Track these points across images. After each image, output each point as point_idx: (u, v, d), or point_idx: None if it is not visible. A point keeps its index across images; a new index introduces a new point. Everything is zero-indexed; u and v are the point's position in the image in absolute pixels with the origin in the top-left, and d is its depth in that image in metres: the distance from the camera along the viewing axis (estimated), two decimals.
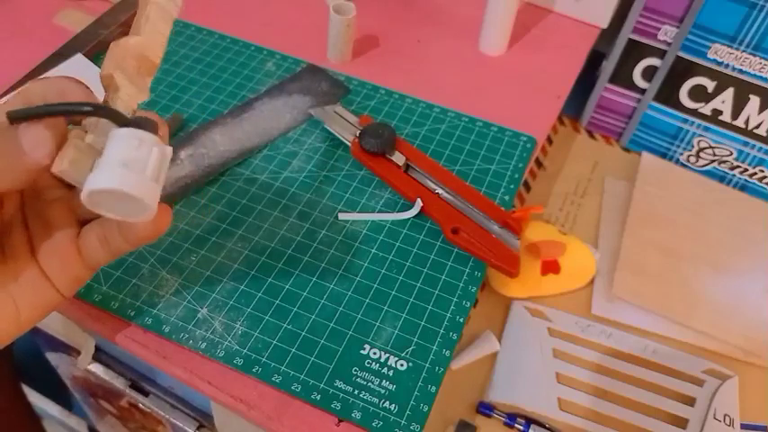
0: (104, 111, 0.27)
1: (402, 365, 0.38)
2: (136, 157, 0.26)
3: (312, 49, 0.57)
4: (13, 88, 0.50)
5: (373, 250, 0.43)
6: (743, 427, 0.43)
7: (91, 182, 0.26)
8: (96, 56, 0.55)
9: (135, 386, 0.55)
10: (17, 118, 0.26)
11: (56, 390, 0.85)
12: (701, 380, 0.45)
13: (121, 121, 0.27)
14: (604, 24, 0.62)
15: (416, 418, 0.36)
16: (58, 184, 0.32)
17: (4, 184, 0.27)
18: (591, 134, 0.63)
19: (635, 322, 0.48)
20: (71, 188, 0.31)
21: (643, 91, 0.59)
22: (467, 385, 0.44)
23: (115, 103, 0.28)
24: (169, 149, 0.28)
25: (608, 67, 0.59)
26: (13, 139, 0.26)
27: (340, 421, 0.36)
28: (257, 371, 0.37)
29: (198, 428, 0.54)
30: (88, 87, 0.28)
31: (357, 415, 0.36)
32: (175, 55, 0.56)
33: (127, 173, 0.25)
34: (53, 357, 0.64)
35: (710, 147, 0.58)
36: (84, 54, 0.54)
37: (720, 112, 0.56)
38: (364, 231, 0.44)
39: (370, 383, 0.37)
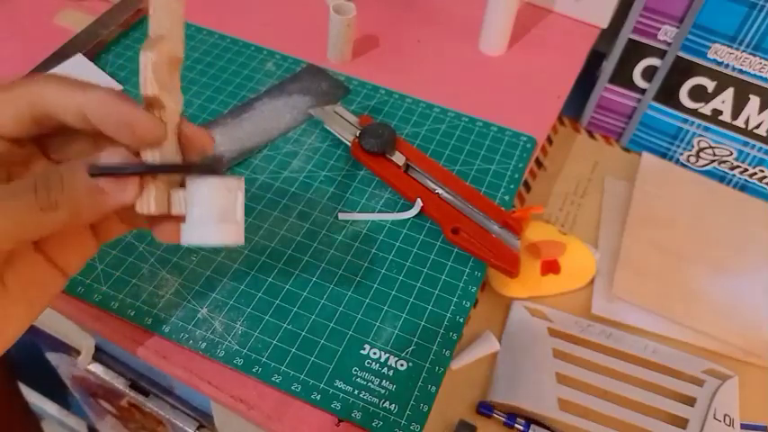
0: (186, 168, 0.27)
1: (402, 365, 0.38)
2: (226, 207, 0.27)
3: (312, 49, 0.57)
4: None
5: (373, 250, 0.43)
6: (743, 427, 0.43)
7: (190, 237, 0.27)
8: (96, 56, 0.55)
9: (135, 386, 0.55)
10: (98, 174, 0.26)
11: (55, 389, 0.85)
12: (701, 380, 0.45)
13: (203, 170, 0.27)
14: (604, 24, 0.62)
15: (416, 418, 0.36)
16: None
17: (83, 221, 0.27)
18: (591, 134, 0.63)
19: (635, 322, 0.48)
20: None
21: (643, 91, 0.59)
22: (467, 385, 0.44)
23: (164, 121, 0.27)
24: (242, 182, 0.28)
25: (608, 67, 0.59)
26: (82, 182, 0.26)
27: (340, 421, 0.36)
28: (257, 371, 0.37)
29: (198, 428, 0.54)
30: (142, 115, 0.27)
31: (357, 415, 0.36)
32: None
33: (223, 226, 0.27)
34: (53, 357, 0.64)
35: (710, 147, 0.58)
36: (84, 54, 0.54)
37: (720, 112, 0.56)
38: (364, 231, 0.44)
39: (370, 383, 0.37)
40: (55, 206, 0.26)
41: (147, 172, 0.26)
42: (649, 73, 0.58)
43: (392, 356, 0.38)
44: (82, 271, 0.40)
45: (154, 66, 0.26)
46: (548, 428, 0.42)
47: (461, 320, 0.40)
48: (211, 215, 0.27)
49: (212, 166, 0.27)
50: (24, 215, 0.25)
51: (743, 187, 0.58)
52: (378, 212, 0.45)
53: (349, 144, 0.48)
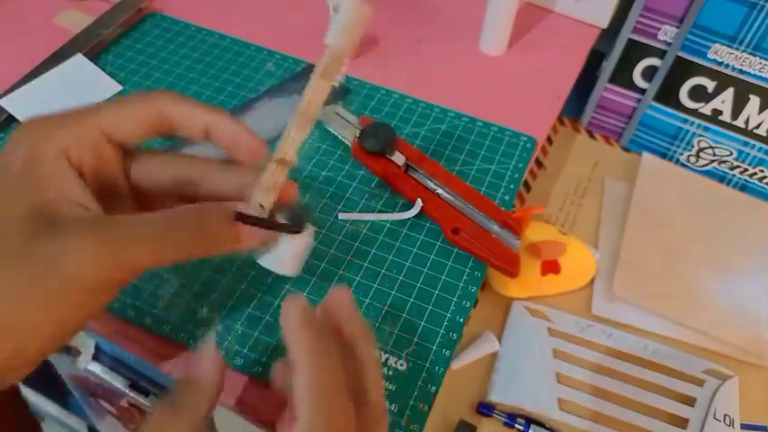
0: (296, 229, 0.32)
1: (402, 365, 0.38)
2: (300, 250, 0.33)
3: (312, 49, 0.57)
4: (13, 88, 0.50)
5: (373, 250, 0.43)
6: (743, 427, 0.43)
7: (266, 262, 0.33)
8: (96, 56, 0.55)
9: (135, 386, 0.55)
10: (242, 221, 0.30)
11: (55, 389, 0.85)
12: (701, 380, 0.45)
13: (300, 227, 0.32)
14: (604, 24, 0.62)
15: (416, 418, 0.36)
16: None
17: (200, 254, 0.29)
18: (591, 134, 0.63)
19: (635, 322, 0.48)
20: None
21: (643, 91, 0.59)
22: (467, 385, 0.44)
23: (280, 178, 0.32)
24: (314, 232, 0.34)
25: (608, 67, 0.59)
26: (227, 226, 0.29)
27: None
28: (257, 371, 0.37)
29: None
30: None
31: None
32: (175, 55, 0.56)
33: (293, 263, 0.33)
34: (53, 357, 0.64)
35: (710, 147, 0.58)
36: (84, 54, 0.54)
37: (720, 112, 0.56)
38: (364, 231, 0.44)
39: None
40: (198, 242, 0.29)
41: (276, 228, 0.31)
42: (649, 73, 0.58)
43: (392, 356, 0.38)
44: None
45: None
46: (548, 428, 0.42)
47: (461, 320, 0.40)
48: (288, 254, 0.33)
49: (304, 221, 0.33)
50: (181, 248, 0.28)
51: (743, 187, 0.58)
52: (378, 212, 0.45)
53: (349, 144, 0.48)
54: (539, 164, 0.59)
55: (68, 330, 0.28)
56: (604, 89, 0.61)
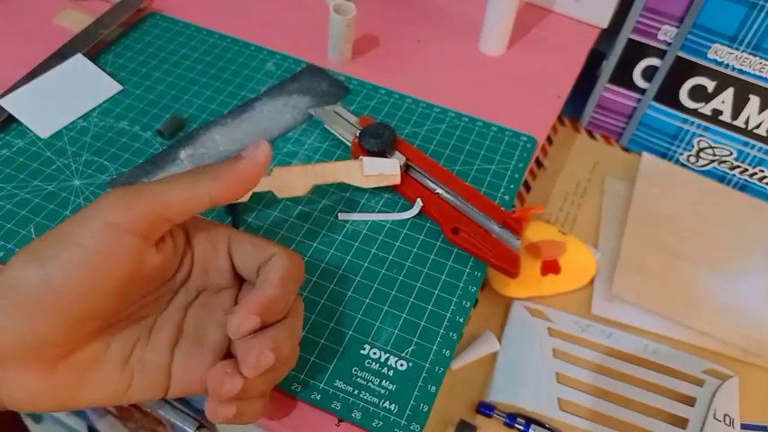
0: None
1: (402, 365, 0.38)
2: None
3: (312, 49, 0.57)
4: (13, 88, 0.50)
5: (373, 250, 0.43)
6: (743, 427, 0.43)
7: None
8: (96, 56, 0.55)
9: None
10: None
11: None
12: (701, 380, 0.45)
13: None
14: (604, 24, 0.62)
15: (416, 418, 0.36)
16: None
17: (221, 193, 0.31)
18: (591, 134, 0.63)
19: (635, 322, 0.48)
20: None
21: (643, 91, 0.59)
22: (467, 385, 0.44)
23: None
24: None
25: (608, 67, 0.59)
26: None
27: (340, 421, 0.36)
28: None
29: (198, 428, 0.54)
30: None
31: (357, 415, 0.36)
32: (175, 55, 0.56)
33: None
34: None
35: (710, 147, 0.58)
36: (84, 54, 0.54)
37: (720, 112, 0.56)
38: (364, 231, 0.44)
39: (370, 383, 0.37)
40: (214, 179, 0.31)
41: None
42: (649, 73, 0.58)
43: (392, 356, 0.38)
44: None
45: None
46: (548, 428, 0.42)
47: (461, 320, 0.40)
48: None
49: None
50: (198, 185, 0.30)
51: (743, 187, 0.58)
52: (378, 212, 0.45)
53: (349, 144, 0.48)
54: (539, 164, 0.59)
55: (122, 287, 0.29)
56: (604, 89, 0.61)
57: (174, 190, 0.29)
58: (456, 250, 0.44)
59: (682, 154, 0.59)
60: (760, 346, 0.47)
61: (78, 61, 0.53)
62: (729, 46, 0.52)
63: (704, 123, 0.57)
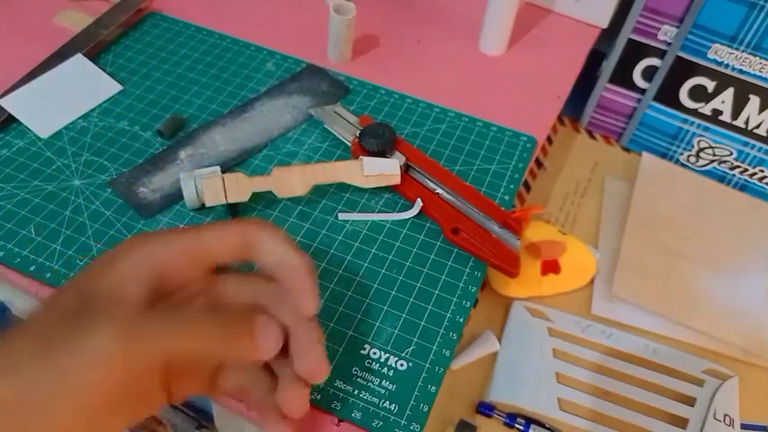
0: None
1: (402, 365, 0.38)
2: None
3: (312, 49, 0.57)
4: (13, 88, 0.50)
5: (373, 250, 0.43)
6: (743, 427, 0.43)
7: None
8: (96, 56, 0.55)
9: None
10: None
11: None
12: (701, 380, 0.45)
13: None
14: (604, 24, 0.62)
15: (416, 418, 0.36)
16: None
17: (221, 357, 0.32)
18: (591, 134, 0.63)
19: (635, 322, 0.48)
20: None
21: (643, 91, 0.59)
22: (467, 385, 0.44)
23: None
24: None
25: (608, 67, 0.59)
26: (249, 332, 0.30)
27: (340, 421, 0.36)
28: None
29: (198, 428, 0.54)
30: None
31: (357, 415, 0.36)
32: (175, 55, 0.56)
33: None
34: None
35: (710, 147, 0.58)
36: (84, 54, 0.54)
37: (720, 112, 0.56)
38: (364, 231, 0.44)
39: (370, 383, 0.37)
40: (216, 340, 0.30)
41: None
42: (649, 73, 0.58)
43: (392, 356, 0.38)
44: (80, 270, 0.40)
45: None
46: (548, 428, 0.42)
47: (461, 320, 0.40)
48: None
49: None
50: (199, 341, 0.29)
51: (743, 187, 0.58)
52: (378, 212, 0.45)
53: (349, 144, 0.48)
54: (539, 164, 0.59)
55: None
56: (604, 89, 0.61)
57: None
58: (456, 250, 0.44)
59: (682, 154, 0.59)
60: (760, 346, 0.47)
61: (78, 61, 0.53)
62: (729, 46, 0.52)
63: (704, 123, 0.57)
